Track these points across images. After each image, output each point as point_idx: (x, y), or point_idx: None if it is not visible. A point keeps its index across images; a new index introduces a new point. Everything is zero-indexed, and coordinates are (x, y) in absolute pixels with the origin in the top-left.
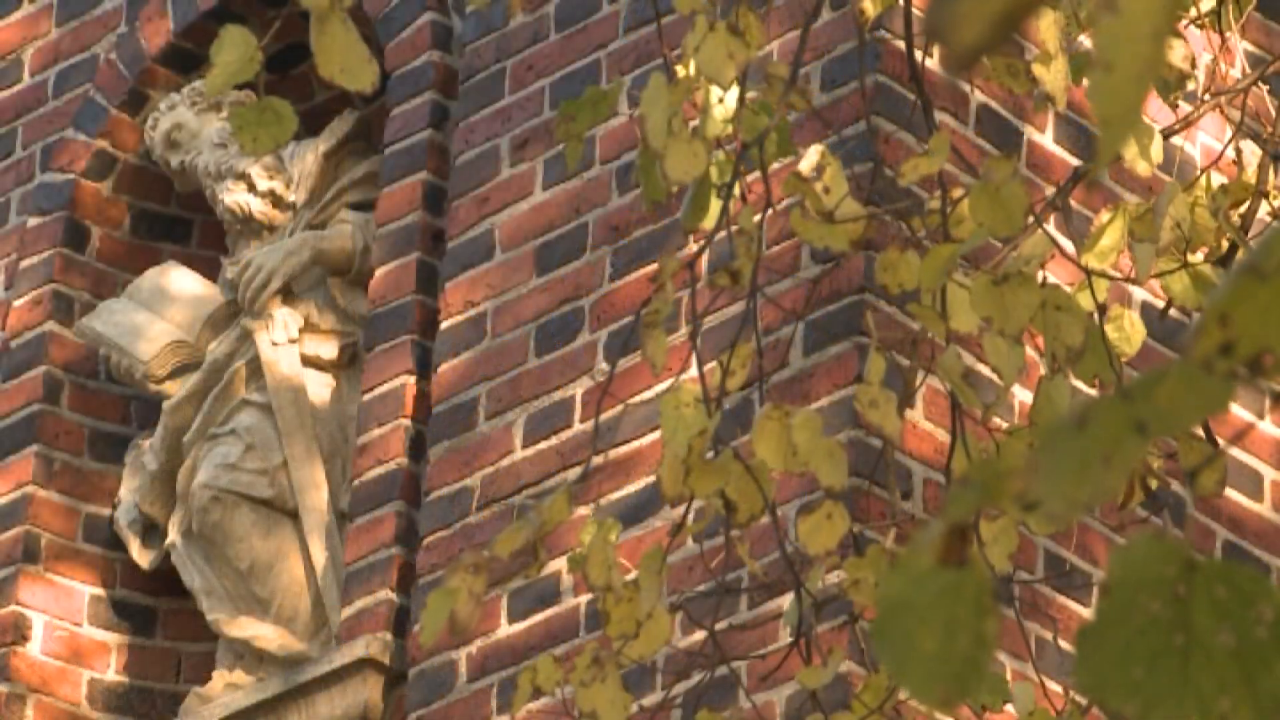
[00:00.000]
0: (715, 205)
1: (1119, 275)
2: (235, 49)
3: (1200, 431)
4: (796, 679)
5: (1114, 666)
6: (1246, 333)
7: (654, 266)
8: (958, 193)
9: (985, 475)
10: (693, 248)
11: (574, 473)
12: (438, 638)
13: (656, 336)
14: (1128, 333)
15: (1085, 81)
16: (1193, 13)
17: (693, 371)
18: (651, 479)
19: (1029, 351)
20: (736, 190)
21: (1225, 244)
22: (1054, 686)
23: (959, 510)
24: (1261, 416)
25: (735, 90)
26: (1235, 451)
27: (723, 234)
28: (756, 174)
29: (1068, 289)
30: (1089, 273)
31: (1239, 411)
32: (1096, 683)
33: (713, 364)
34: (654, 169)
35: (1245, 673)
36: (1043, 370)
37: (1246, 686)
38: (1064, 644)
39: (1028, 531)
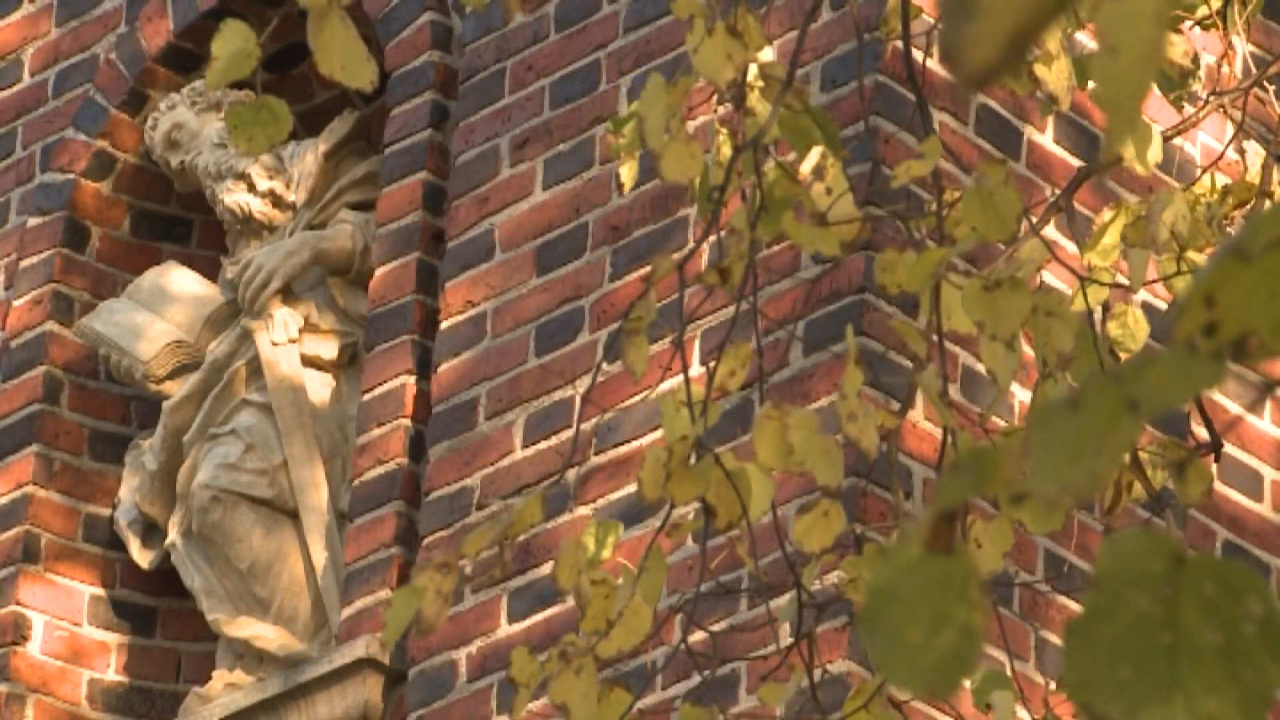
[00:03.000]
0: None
1: (1115, 280)
2: (235, 43)
3: (1203, 428)
4: (757, 696)
5: (1101, 665)
6: (1231, 314)
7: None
8: (953, 195)
9: (976, 463)
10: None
11: (572, 473)
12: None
13: (638, 344)
14: (1132, 329)
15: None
16: (1201, 12)
17: (691, 372)
18: None
19: (1029, 351)
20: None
21: None
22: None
23: (949, 497)
24: (1252, 410)
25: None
26: (1235, 451)
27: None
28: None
29: (1067, 290)
30: (1082, 279)
31: (1234, 408)
32: (1084, 682)
33: (700, 370)
34: (708, 182)
35: (1233, 671)
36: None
37: (1234, 685)
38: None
39: (1026, 532)
